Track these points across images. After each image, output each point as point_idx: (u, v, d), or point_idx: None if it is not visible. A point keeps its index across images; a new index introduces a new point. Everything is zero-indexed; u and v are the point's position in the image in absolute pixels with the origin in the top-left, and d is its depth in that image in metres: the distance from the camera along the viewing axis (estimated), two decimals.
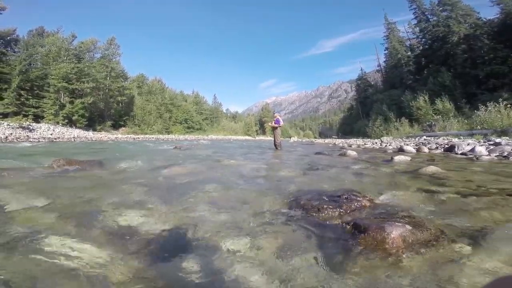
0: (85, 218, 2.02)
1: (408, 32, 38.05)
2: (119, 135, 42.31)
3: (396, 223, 1.62)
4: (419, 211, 2.12)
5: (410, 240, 1.53)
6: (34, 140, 20.95)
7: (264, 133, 77.91)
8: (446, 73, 26.53)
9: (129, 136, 40.68)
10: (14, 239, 1.63)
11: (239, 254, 1.54)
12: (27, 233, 1.71)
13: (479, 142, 9.54)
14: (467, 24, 26.52)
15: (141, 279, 1.30)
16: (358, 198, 2.27)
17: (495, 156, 6.00)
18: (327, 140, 32.68)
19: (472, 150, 6.89)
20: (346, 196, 2.29)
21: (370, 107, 41.74)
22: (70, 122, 40.76)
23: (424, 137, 17.02)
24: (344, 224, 1.83)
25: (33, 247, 1.54)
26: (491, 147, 7.24)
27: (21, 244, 1.57)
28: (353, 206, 2.16)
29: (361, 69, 59.23)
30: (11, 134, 24.93)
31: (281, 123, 9.49)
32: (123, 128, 50.88)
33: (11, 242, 1.59)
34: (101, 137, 32.45)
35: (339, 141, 24.30)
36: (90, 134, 36.15)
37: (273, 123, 9.43)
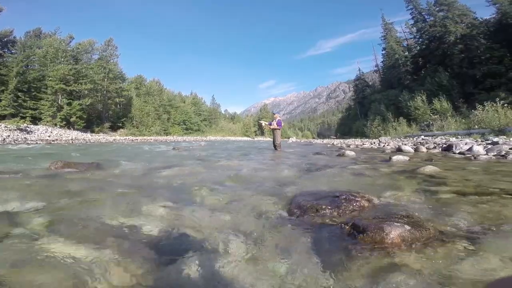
0: (82, 220, 2.01)
1: (406, 32, 38.16)
2: (117, 136, 42.21)
3: (395, 223, 1.62)
4: (418, 211, 2.12)
5: (409, 240, 1.53)
6: (32, 142, 20.85)
7: (262, 133, 78.02)
8: (443, 73, 26.63)
9: (127, 138, 40.61)
10: (11, 241, 1.62)
11: (238, 255, 1.54)
12: (25, 235, 1.70)
13: (476, 141, 9.58)
14: (463, 24, 26.64)
15: (139, 281, 1.29)
16: (357, 199, 2.27)
17: (493, 155, 6.02)
18: (325, 141, 32.71)
19: (470, 149, 6.92)
20: (344, 197, 2.29)
21: (368, 107, 41.81)
22: (68, 124, 40.63)
23: (422, 136, 17.07)
24: (342, 224, 1.82)
25: (29, 249, 1.53)
26: (489, 146, 7.26)
27: (18, 246, 1.56)
28: (351, 206, 2.15)
29: (359, 70, 59.43)
30: (9, 136, 24.84)
31: (282, 124, 9.22)
32: (121, 130, 50.75)
33: (8, 244, 1.58)
34: (99, 139, 32.37)
35: (338, 141, 24.33)
36: (88, 136, 36.06)
37: (274, 124, 9.04)
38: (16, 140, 21.90)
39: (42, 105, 39.62)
